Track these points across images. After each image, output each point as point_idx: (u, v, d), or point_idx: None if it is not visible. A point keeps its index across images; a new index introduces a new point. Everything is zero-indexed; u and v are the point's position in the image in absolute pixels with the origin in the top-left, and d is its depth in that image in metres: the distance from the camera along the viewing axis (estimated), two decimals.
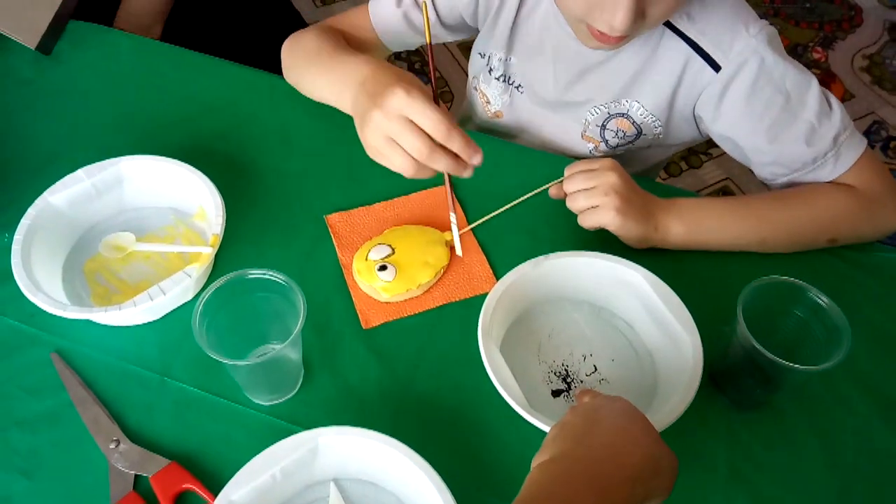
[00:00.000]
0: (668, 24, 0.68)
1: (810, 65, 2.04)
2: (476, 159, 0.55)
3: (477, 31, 0.80)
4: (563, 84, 0.75)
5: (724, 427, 0.58)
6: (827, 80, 2.02)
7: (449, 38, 0.81)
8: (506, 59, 0.78)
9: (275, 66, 0.79)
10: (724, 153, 0.74)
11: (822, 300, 0.54)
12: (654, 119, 0.74)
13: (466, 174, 0.57)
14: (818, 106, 0.66)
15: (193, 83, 0.80)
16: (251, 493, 0.49)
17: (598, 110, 0.76)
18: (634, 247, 0.66)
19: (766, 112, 0.67)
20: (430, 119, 0.53)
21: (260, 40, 0.91)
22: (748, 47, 0.66)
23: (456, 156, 0.55)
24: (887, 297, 0.67)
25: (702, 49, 0.67)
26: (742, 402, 0.59)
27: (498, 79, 0.80)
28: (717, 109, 0.69)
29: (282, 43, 0.77)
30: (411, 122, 0.54)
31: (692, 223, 0.67)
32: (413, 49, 0.77)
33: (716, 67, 0.67)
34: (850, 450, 0.58)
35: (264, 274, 0.54)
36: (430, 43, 0.63)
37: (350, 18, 0.79)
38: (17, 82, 0.80)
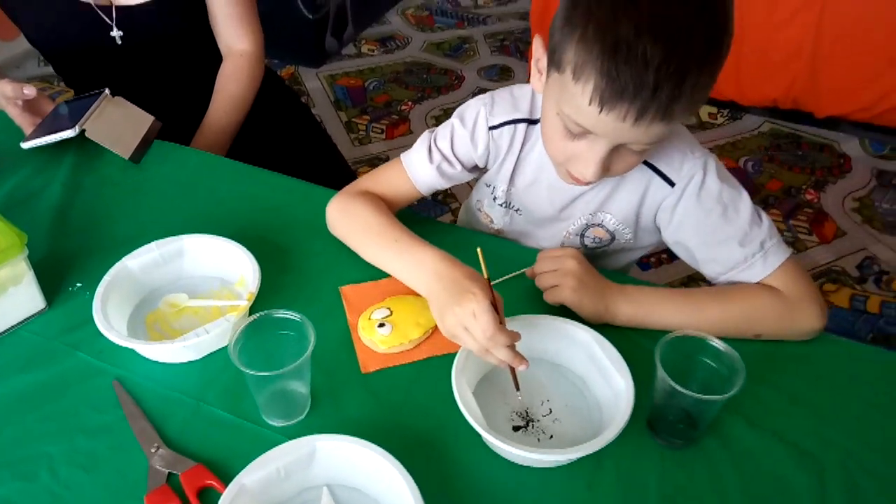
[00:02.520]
0: None
1: (803, 205, 2.22)
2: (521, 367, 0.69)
3: (487, 170, 0.96)
4: (557, 208, 0.91)
5: (658, 461, 0.69)
6: (820, 218, 2.17)
7: (469, 178, 0.96)
8: (508, 190, 0.94)
9: (308, 177, 1.00)
10: None
11: (721, 346, 0.67)
12: (624, 227, 0.89)
13: (521, 367, 0.69)
14: (749, 216, 0.80)
15: (244, 186, 1.00)
16: (258, 481, 0.62)
17: (578, 222, 0.91)
18: (590, 321, 0.79)
19: (707, 218, 0.82)
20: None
21: (300, 157, 1.13)
22: (694, 167, 0.81)
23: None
24: (806, 361, 0.79)
25: (659, 170, 0.83)
26: (671, 441, 0.71)
27: (500, 205, 0.97)
28: (671, 217, 0.84)
29: (318, 162, 0.98)
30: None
31: (638, 307, 0.80)
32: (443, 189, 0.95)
33: (671, 184, 0.83)
34: (764, 485, 0.68)
35: (286, 314, 0.70)
36: (489, 278, 0.74)
37: (387, 179, 0.92)
38: (111, 183, 1.02)
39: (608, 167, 0.74)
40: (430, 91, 2.67)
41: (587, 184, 0.78)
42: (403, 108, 2.57)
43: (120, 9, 1.14)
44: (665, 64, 0.62)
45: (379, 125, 2.48)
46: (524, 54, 2.87)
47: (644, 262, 1.95)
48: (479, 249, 0.73)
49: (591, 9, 0.65)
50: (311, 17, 2.66)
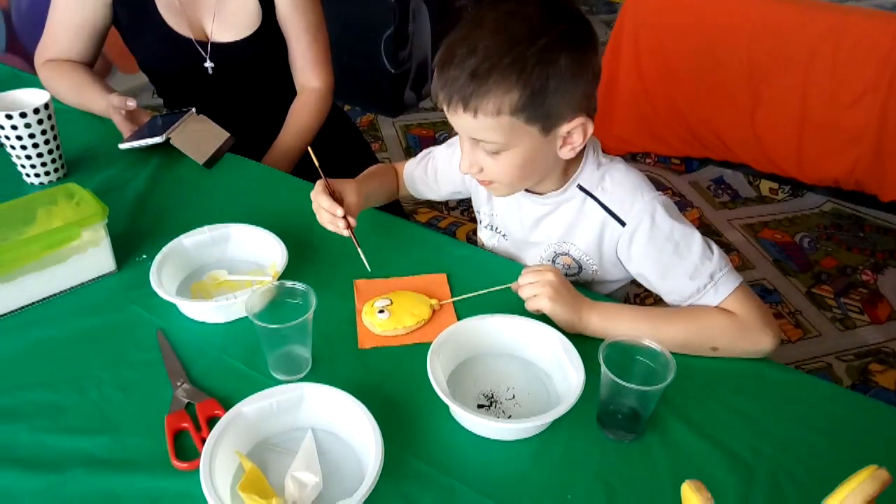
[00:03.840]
0: (589, 194, 0.95)
1: (857, 284, 2.20)
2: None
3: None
4: (526, 228, 1.04)
5: (601, 450, 0.78)
6: (874, 299, 2.15)
7: (447, 194, 1.16)
8: (490, 213, 1.09)
9: None
10: None
11: (656, 347, 0.76)
12: (588, 258, 1.00)
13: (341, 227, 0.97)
14: (700, 251, 0.89)
15: (290, 193, 1.17)
16: (255, 410, 0.75)
17: (548, 249, 1.03)
18: (564, 329, 0.89)
19: (660, 255, 0.91)
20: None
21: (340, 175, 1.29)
22: (643, 209, 0.91)
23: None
24: (757, 381, 0.86)
25: (612, 211, 0.94)
26: (618, 434, 0.79)
27: (486, 227, 1.11)
28: (629, 254, 0.94)
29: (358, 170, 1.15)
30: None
31: (607, 321, 0.90)
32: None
33: (622, 223, 0.93)
34: (690, 477, 0.74)
35: (294, 284, 0.84)
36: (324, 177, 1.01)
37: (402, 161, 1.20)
38: (184, 182, 1.22)
39: (478, 165, 0.90)
40: None
41: (489, 185, 0.94)
42: None
43: (214, 44, 1.37)
44: (460, 67, 0.81)
45: None
46: None
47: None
48: (309, 149, 1.01)
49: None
50: (393, 71, 2.92)
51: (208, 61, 1.37)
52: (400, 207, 1.54)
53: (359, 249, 0.98)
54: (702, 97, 2.59)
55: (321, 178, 1.00)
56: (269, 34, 1.39)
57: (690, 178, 2.72)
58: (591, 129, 0.87)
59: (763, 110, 2.50)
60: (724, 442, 0.79)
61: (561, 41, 0.81)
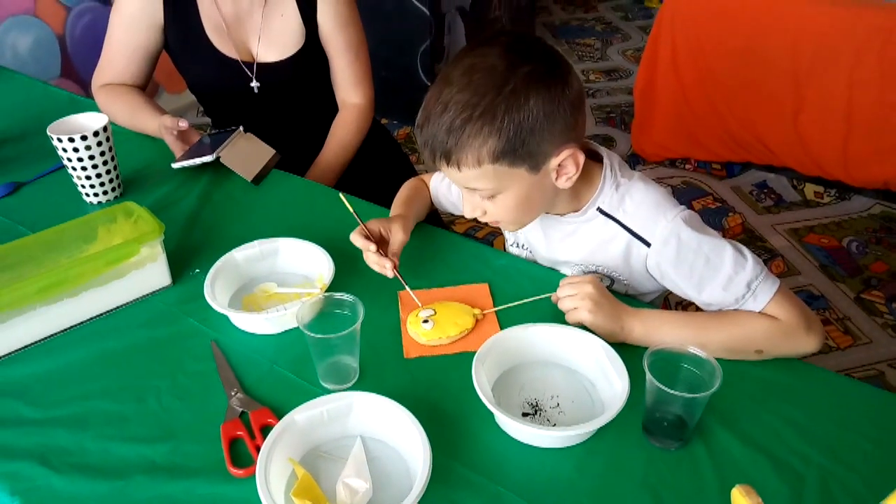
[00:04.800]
0: (610, 217, 0.95)
1: None
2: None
3: None
4: (551, 248, 1.05)
5: (647, 458, 0.78)
6: None
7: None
8: (515, 233, 1.10)
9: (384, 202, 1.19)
10: None
11: (701, 354, 0.76)
12: (618, 274, 1.00)
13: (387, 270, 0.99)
14: (733, 261, 0.88)
15: (335, 208, 1.20)
16: (307, 418, 0.77)
17: (575, 267, 1.04)
18: (607, 339, 0.89)
19: (692, 272, 0.90)
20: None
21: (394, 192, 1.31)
22: (667, 229, 0.91)
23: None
24: (802, 391, 0.85)
25: (635, 232, 0.94)
26: (664, 442, 0.79)
27: (513, 244, 1.13)
28: (660, 272, 0.95)
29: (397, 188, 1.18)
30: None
31: (650, 329, 0.90)
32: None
33: (647, 244, 0.93)
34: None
35: (342, 295, 0.87)
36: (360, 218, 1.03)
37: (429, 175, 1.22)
38: (234, 199, 1.26)
39: (480, 208, 0.93)
40: None
41: (495, 224, 0.98)
42: None
43: (260, 65, 1.42)
44: (436, 125, 0.84)
45: None
46: (628, 126, 3.00)
47: None
48: (341, 195, 1.08)
49: None
50: (429, 84, 2.96)
51: (254, 81, 1.42)
52: (438, 217, 1.56)
53: (406, 287, 1.00)
54: (742, 100, 2.56)
55: (359, 221, 1.04)
56: (312, 53, 1.43)
57: (732, 184, 2.69)
58: (581, 158, 0.89)
59: (807, 112, 2.46)
60: (772, 450, 0.79)
61: (527, 84, 0.82)
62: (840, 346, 1.95)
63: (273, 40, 1.41)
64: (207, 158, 1.24)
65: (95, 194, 1.23)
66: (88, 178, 1.21)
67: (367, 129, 1.52)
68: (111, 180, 1.23)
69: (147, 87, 1.47)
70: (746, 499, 0.54)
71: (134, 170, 1.33)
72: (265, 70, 1.42)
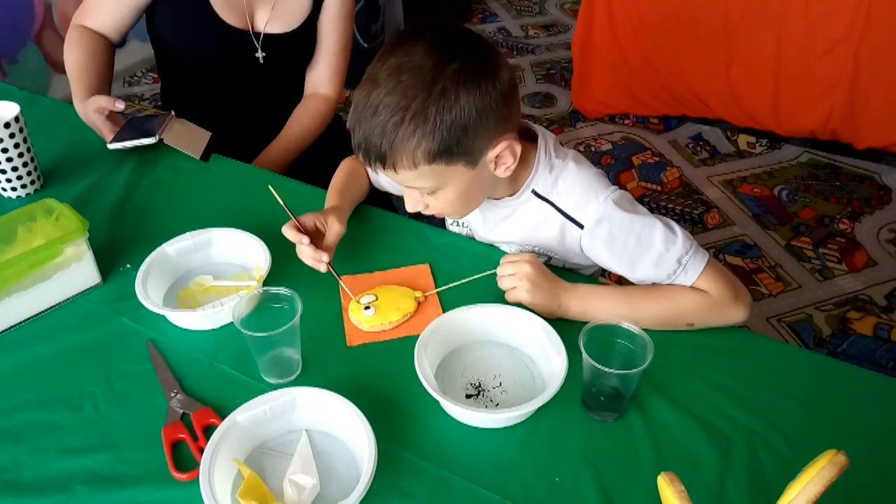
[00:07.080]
0: (544, 199, 0.96)
1: (835, 234, 2.24)
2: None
3: None
4: (489, 227, 1.06)
5: (586, 431, 0.81)
6: (851, 248, 2.19)
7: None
8: None
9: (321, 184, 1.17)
10: None
11: (634, 329, 0.79)
12: (553, 253, 1.02)
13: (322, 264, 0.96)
14: (664, 239, 0.90)
15: (267, 189, 1.17)
16: (249, 418, 0.77)
17: (512, 246, 1.05)
18: (545, 316, 0.91)
19: (625, 252, 0.92)
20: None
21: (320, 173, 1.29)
22: (598, 211, 0.92)
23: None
24: (732, 354, 0.89)
25: (568, 214, 0.95)
26: (602, 415, 0.82)
27: (453, 224, 1.14)
28: (593, 252, 0.96)
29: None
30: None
31: (586, 305, 0.92)
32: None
33: (580, 226, 0.94)
34: (676, 455, 0.78)
35: (279, 290, 0.86)
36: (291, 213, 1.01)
37: None
38: (161, 185, 1.22)
39: (421, 203, 0.93)
40: None
41: (438, 215, 0.98)
42: None
43: (267, 35, 1.38)
44: (368, 128, 0.83)
45: None
46: (568, 83, 3.00)
47: None
48: (270, 187, 1.02)
49: None
50: (366, 45, 2.88)
51: (260, 51, 1.38)
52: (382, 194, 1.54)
53: (340, 282, 0.99)
54: (677, 55, 2.59)
55: (290, 216, 1.01)
56: (311, 30, 1.41)
57: (669, 137, 2.73)
58: (518, 148, 0.89)
59: (738, 64, 2.51)
60: (703, 415, 0.82)
61: (456, 82, 0.81)
62: (772, 293, 2.04)
63: (283, 10, 1.38)
64: (150, 140, 1.19)
65: (13, 188, 1.17)
66: (3, 171, 1.14)
67: (329, 122, 1.49)
68: (28, 173, 1.17)
69: (118, 41, 1.41)
70: (671, 487, 0.56)
71: (55, 158, 1.26)
72: (270, 41, 1.38)
